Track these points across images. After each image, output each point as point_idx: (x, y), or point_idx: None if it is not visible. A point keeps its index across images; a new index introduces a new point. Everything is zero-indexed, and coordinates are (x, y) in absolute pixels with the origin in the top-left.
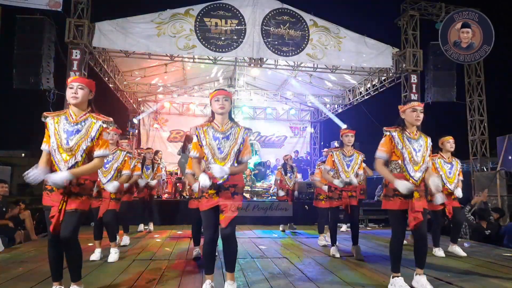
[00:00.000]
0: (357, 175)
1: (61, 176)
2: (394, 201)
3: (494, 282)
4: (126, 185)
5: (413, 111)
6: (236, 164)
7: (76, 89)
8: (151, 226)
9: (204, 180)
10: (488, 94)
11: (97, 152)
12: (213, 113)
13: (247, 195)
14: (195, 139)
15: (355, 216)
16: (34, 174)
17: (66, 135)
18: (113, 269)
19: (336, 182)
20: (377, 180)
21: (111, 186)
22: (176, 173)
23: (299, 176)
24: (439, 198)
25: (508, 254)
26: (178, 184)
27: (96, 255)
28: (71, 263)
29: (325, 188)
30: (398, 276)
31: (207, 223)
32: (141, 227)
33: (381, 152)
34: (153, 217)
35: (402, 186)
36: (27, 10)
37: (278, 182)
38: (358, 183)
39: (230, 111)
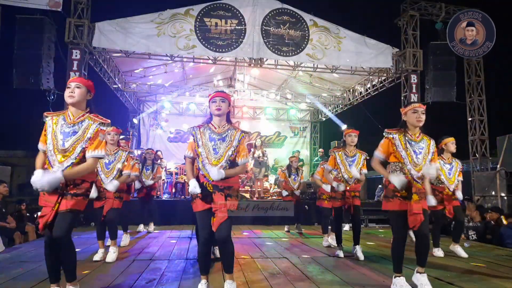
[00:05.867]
0: (360, 174)
1: (51, 178)
2: (393, 202)
3: (494, 282)
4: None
5: (414, 113)
6: (228, 166)
7: (73, 88)
8: (151, 227)
9: (193, 187)
10: (488, 94)
11: (92, 153)
12: (211, 114)
13: (247, 195)
14: (191, 139)
15: (358, 216)
16: (36, 180)
17: (63, 136)
18: (113, 269)
19: (335, 184)
20: (377, 180)
21: (111, 186)
22: (177, 173)
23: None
24: (431, 200)
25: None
26: (178, 184)
27: (99, 255)
28: (65, 263)
29: (326, 187)
30: (400, 276)
31: (202, 224)
32: (141, 227)
33: (378, 152)
34: (153, 218)
35: (396, 180)
36: (27, 10)
37: (283, 183)
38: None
39: (229, 114)
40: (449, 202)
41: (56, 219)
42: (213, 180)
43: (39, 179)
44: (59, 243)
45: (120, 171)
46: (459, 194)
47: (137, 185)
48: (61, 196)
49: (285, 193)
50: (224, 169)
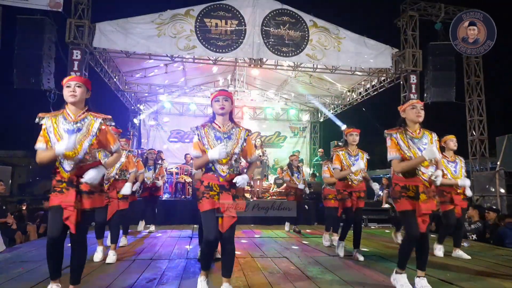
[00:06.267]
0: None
1: (97, 171)
2: (401, 202)
3: (494, 282)
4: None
5: (412, 108)
6: (235, 165)
7: (74, 88)
8: (152, 227)
9: (218, 151)
10: (487, 94)
11: (115, 147)
12: (214, 113)
13: (247, 195)
14: (195, 139)
15: (359, 218)
16: (64, 143)
17: (68, 134)
18: (113, 269)
19: (354, 168)
20: (377, 180)
21: (126, 190)
22: (177, 173)
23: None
24: (439, 177)
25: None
26: (178, 185)
27: (99, 255)
28: (74, 263)
29: (332, 187)
30: (401, 273)
31: (207, 226)
32: (141, 226)
33: (393, 154)
34: (155, 219)
35: (427, 152)
36: (27, 10)
37: (288, 182)
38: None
39: (231, 113)
40: (459, 203)
41: (80, 219)
42: (223, 180)
43: (67, 141)
44: (77, 242)
45: (121, 170)
46: (468, 191)
47: (147, 174)
48: (79, 195)
49: (301, 186)
50: (232, 167)
